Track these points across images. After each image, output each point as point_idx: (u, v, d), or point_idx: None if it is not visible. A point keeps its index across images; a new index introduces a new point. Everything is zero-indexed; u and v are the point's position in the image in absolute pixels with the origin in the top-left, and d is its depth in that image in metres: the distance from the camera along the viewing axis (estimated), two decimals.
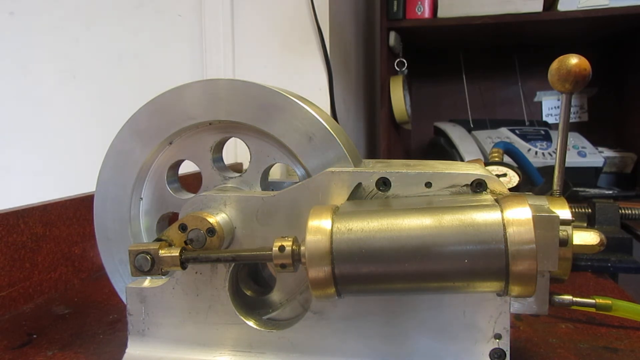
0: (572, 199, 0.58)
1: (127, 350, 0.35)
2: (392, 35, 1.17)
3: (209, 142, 0.36)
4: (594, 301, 0.37)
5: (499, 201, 0.27)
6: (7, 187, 1.09)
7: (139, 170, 0.37)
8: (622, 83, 1.38)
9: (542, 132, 1.21)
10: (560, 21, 1.10)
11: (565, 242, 0.29)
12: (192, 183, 0.48)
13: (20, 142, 1.11)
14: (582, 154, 1.16)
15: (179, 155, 0.37)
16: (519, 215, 0.25)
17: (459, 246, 0.25)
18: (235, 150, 0.99)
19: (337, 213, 0.28)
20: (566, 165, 0.34)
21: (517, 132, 1.22)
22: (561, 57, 0.32)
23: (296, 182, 0.34)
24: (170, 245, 0.32)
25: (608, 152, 1.22)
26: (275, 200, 0.33)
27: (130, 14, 1.06)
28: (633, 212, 0.55)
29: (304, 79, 1.02)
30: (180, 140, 0.37)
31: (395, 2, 1.14)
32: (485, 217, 0.26)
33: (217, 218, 0.32)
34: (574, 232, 0.31)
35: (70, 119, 1.09)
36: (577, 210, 0.55)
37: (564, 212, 0.30)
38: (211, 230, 0.32)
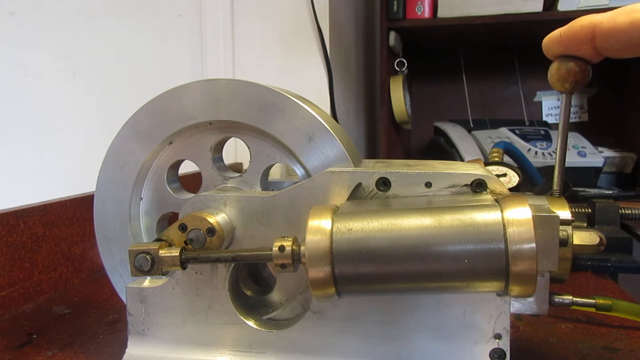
0: (572, 199, 0.58)
1: (127, 350, 0.35)
2: (392, 35, 1.17)
3: (209, 142, 0.36)
4: (594, 301, 0.37)
5: (499, 201, 0.27)
6: (7, 187, 1.09)
7: (139, 170, 0.37)
8: (622, 83, 1.38)
9: (542, 132, 1.21)
10: (560, 21, 1.10)
11: (565, 242, 0.29)
12: (192, 183, 0.48)
13: (19, 142, 1.11)
14: (582, 154, 1.16)
15: (179, 155, 0.37)
16: (519, 215, 0.25)
17: (459, 246, 0.25)
18: (235, 150, 0.99)
19: (337, 213, 0.28)
20: (566, 165, 0.34)
21: (517, 132, 1.22)
22: (561, 57, 0.31)
23: (296, 182, 0.34)
24: (170, 245, 0.32)
25: (608, 152, 1.22)
26: (275, 200, 0.33)
27: (130, 14, 1.06)
28: (633, 212, 0.55)
29: (304, 79, 1.02)
30: (180, 140, 0.37)
31: (395, 2, 1.14)
32: (485, 217, 0.26)
33: (217, 218, 0.32)
34: (574, 232, 0.31)
35: (70, 119, 1.09)
36: (577, 210, 0.55)
37: (564, 212, 0.30)
38: (211, 230, 0.32)
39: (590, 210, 0.56)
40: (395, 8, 1.14)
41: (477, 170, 0.31)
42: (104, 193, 0.37)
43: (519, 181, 0.63)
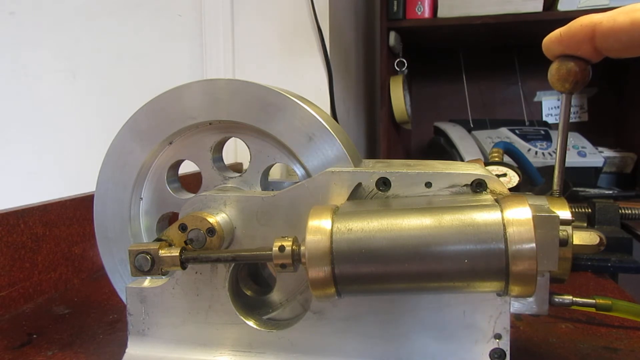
0: (572, 199, 0.58)
1: (127, 350, 0.35)
2: (392, 35, 1.17)
3: (209, 142, 0.36)
4: (594, 301, 0.37)
5: (499, 201, 0.27)
6: (7, 187, 1.09)
7: (139, 170, 0.37)
8: (622, 83, 1.38)
9: (542, 132, 1.21)
10: (560, 21, 1.09)
11: (565, 242, 0.29)
12: (192, 183, 0.48)
13: (19, 142, 1.11)
14: (582, 154, 1.16)
15: (179, 155, 0.37)
16: (519, 215, 0.25)
17: (459, 246, 0.25)
18: (235, 150, 0.99)
19: (337, 213, 0.28)
20: (566, 165, 0.34)
21: (517, 132, 1.22)
22: (561, 57, 0.31)
23: (296, 182, 0.34)
24: (170, 245, 0.32)
25: (608, 152, 1.22)
26: (275, 200, 0.33)
27: (130, 14, 1.06)
28: (633, 212, 0.55)
29: (304, 79, 1.02)
30: (180, 140, 0.37)
31: (395, 2, 1.14)
32: (485, 217, 0.26)
33: (217, 218, 0.32)
34: (574, 232, 0.31)
35: (70, 119, 1.09)
36: (577, 210, 0.55)
37: (564, 212, 0.30)
38: (211, 230, 0.32)
39: (590, 210, 0.56)
40: (395, 8, 1.14)
41: (477, 170, 0.31)
42: (104, 193, 0.37)
43: (519, 181, 0.63)
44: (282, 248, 0.28)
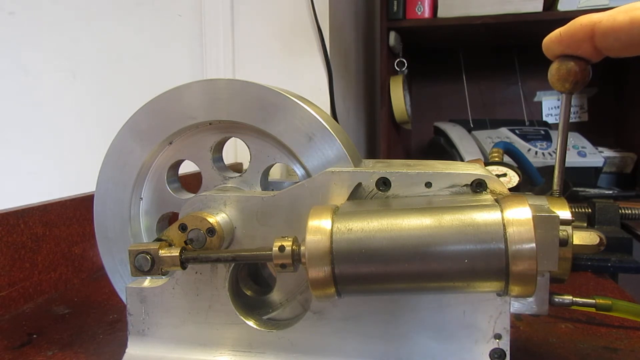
0: (572, 199, 0.58)
1: (127, 350, 0.35)
2: (392, 35, 1.17)
3: (209, 142, 0.36)
4: (594, 301, 0.37)
5: (499, 201, 0.27)
6: (7, 187, 1.09)
7: (139, 170, 0.37)
8: (622, 83, 1.38)
9: (542, 132, 1.21)
10: (560, 21, 1.09)
11: (565, 242, 0.29)
12: (192, 183, 0.48)
13: (20, 142, 1.11)
14: (582, 154, 1.16)
15: (179, 155, 0.37)
16: (519, 215, 0.25)
17: (459, 246, 0.25)
18: (235, 150, 0.99)
19: (337, 213, 0.28)
20: (566, 165, 0.34)
21: (517, 132, 1.22)
22: (561, 57, 0.31)
23: (296, 182, 0.34)
24: (170, 245, 0.32)
25: (608, 152, 1.22)
26: (275, 200, 0.33)
27: (130, 14, 1.06)
28: (633, 212, 0.55)
29: (304, 79, 1.02)
30: (180, 140, 0.37)
31: (395, 2, 1.14)
32: (485, 217, 0.26)
33: (217, 218, 0.32)
34: (574, 232, 0.31)
35: (70, 119, 1.09)
36: (577, 210, 0.55)
37: (564, 212, 0.30)
38: (211, 230, 0.32)
39: (590, 210, 0.56)
40: (395, 8, 1.14)
41: (477, 170, 0.31)
42: (104, 193, 0.37)
43: (519, 181, 0.63)
44: (282, 248, 0.28)
